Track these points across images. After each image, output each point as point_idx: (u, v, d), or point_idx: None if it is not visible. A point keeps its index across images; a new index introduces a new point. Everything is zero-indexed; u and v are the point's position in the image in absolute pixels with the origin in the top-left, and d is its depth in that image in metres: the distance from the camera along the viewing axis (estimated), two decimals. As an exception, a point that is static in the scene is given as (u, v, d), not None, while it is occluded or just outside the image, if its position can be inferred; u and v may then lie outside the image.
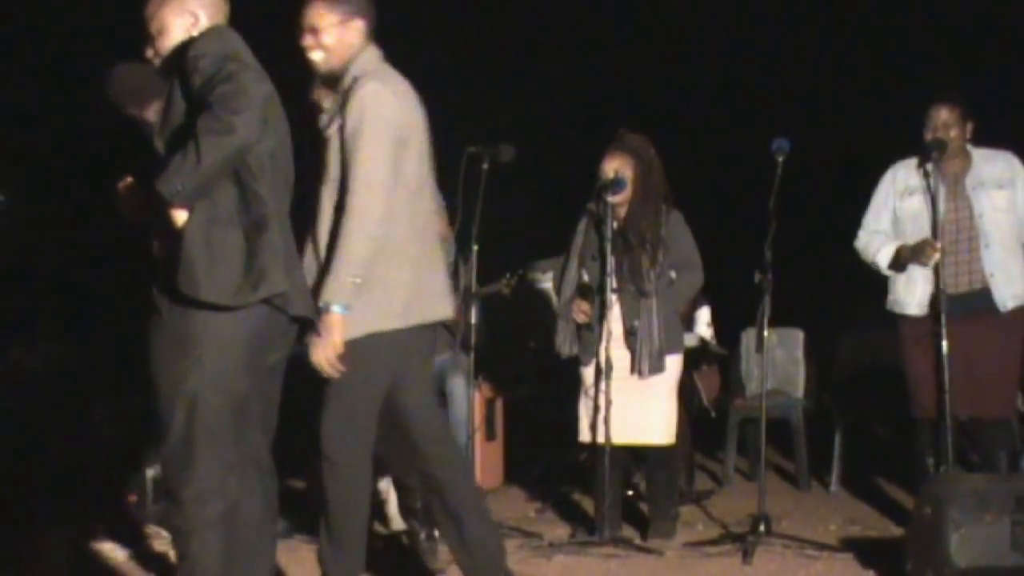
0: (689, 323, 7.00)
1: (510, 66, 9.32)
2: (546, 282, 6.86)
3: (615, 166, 5.47)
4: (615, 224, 5.42)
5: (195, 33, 3.57)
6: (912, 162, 5.58)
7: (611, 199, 5.39)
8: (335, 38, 3.88)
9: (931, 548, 4.38)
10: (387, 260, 3.80)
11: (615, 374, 5.32)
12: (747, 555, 5.07)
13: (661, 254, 5.47)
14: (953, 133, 5.45)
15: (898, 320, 5.57)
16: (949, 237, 5.43)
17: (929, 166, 5.44)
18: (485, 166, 5.37)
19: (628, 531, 5.68)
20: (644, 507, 5.96)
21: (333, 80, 3.93)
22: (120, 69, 5.44)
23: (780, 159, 5.35)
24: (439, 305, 3.98)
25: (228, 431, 3.43)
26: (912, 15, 9.18)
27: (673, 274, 5.66)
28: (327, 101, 4.01)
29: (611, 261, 5.36)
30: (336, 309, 3.74)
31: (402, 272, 3.84)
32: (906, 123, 5.76)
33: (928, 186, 5.48)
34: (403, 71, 4.22)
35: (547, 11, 9.67)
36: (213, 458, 3.40)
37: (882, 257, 5.57)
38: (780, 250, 5.37)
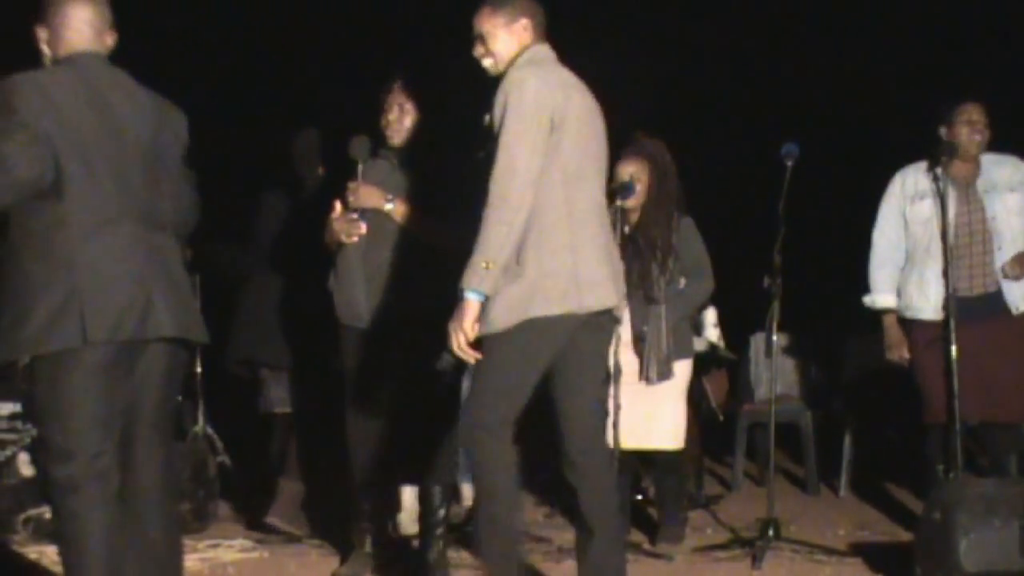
0: (697, 327, 7.00)
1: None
2: None
3: (630, 170, 5.46)
4: (626, 228, 5.42)
5: None
6: (921, 165, 5.54)
7: (622, 203, 5.38)
8: (502, 41, 3.90)
9: (940, 553, 4.37)
10: (539, 247, 3.75)
11: (624, 379, 5.31)
12: (756, 560, 5.07)
13: (671, 261, 5.46)
14: (982, 136, 5.44)
15: (911, 325, 5.55)
16: (962, 240, 5.42)
17: (938, 169, 5.42)
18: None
19: (637, 536, 5.69)
20: (653, 512, 5.96)
21: None
22: (304, 132, 5.84)
23: (789, 164, 5.35)
24: (599, 294, 3.85)
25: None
26: (923, 18, 9.17)
27: (683, 281, 5.67)
28: None
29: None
30: (468, 295, 3.70)
31: (556, 259, 3.77)
32: (915, 127, 5.74)
33: (938, 189, 5.46)
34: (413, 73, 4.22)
35: (555, 12, 9.68)
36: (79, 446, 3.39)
37: (879, 298, 5.62)
38: (789, 255, 5.37)
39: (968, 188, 5.46)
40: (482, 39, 3.92)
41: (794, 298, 5.58)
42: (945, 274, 5.28)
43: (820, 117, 9.07)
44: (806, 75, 9.53)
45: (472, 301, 3.71)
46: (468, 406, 3.89)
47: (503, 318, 3.74)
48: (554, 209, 3.77)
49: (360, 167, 4.81)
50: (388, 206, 4.75)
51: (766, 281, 5.41)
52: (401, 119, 4.85)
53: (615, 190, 5.41)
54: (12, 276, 3.40)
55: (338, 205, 4.82)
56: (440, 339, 4.75)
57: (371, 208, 4.76)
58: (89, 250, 3.39)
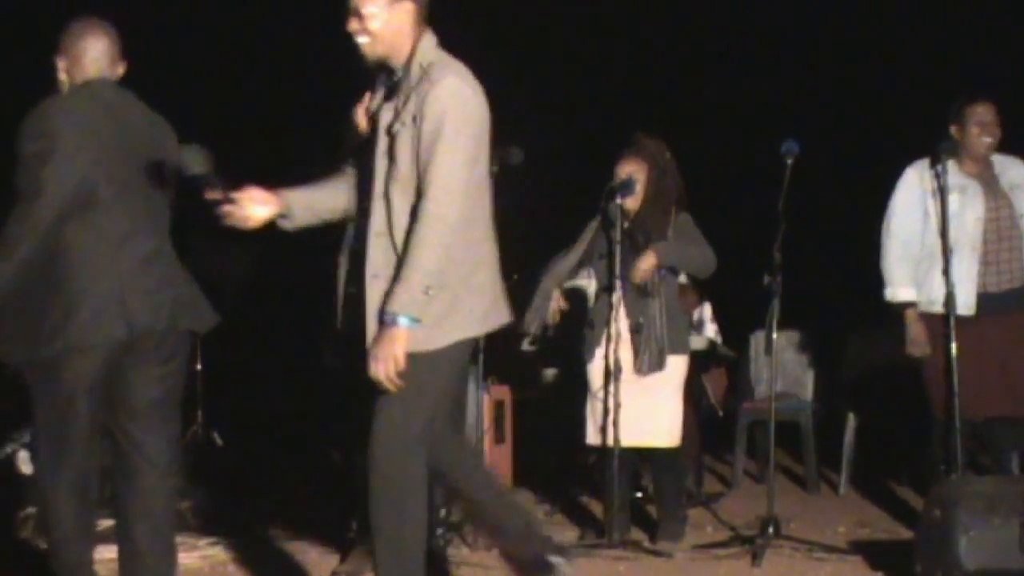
0: (697, 325, 7.00)
1: (522, 67, 9.35)
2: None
3: (628, 170, 5.50)
4: (625, 224, 5.43)
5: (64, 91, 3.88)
6: (929, 160, 5.49)
7: (622, 201, 5.40)
8: (382, 22, 3.64)
9: (940, 550, 4.37)
10: (471, 263, 3.64)
11: (621, 374, 5.33)
12: (756, 557, 5.07)
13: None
14: (993, 138, 5.43)
15: (931, 320, 5.44)
16: (989, 236, 5.42)
17: (939, 167, 5.41)
18: (495, 168, 5.37)
19: (637, 533, 5.69)
20: (653, 510, 5.95)
21: (379, 67, 3.74)
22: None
23: (789, 161, 5.35)
24: (505, 311, 3.82)
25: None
26: (922, 17, 9.17)
27: (683, 278, 5.72)
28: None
29: (618, 262, 5.37)
30: (403, 321, 3.50)
31: (483, 275, 3.69)
32: (916, 124, 5.73)
33: (939, 185, 5.45)
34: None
35: (558, 12, 9.69)
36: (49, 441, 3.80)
37: (901, 291, 5.50)
38: (789, 252, 5.37)
39: (994, 185, 5.45)
40: (359, 16, 3.65)
41: (794, 296, 5.58)
42: (945, 271, 5.28)
43: (820, 114, 9.08)
44: (806, 72, 9.54)
45: (405, 328, 3.50)
46: (389, 425, 3.61)
47: (433, 338, 3.58)
48: (479, 224, 3.70)
49: None
50: None
51: (766, 279, 5.41)
52: None
53: (613, 188, 5.43)
54: (53, 280, 3.71)
55: None
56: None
57: None
58: (125, 254, 3.75)
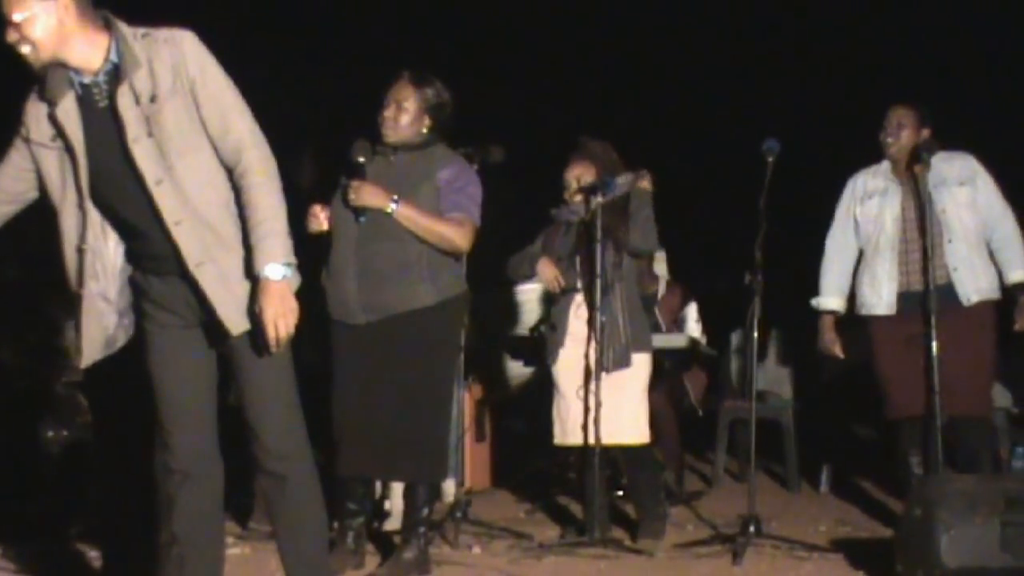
0: (680, 323, 7.00)
1: (502, 66, 9.35)
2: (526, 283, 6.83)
3: (577, 173, 5.50)
4: (575, 221, 5.45)
5: None
6: (873, 168, 5.64)
7: (603, 199, 5.37)
8: (42, 28, 3.30)
9: (921, 549, 4.38)
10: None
11: (583, 375, 5.33)
12: (737, 556, 5.07)
13: (624, 255, 5.47)
14: (904, 134, 5.51)
15: (866, 322, 5.59)
16: (910, 235, 5.47)
17: (904, 169, 5.50)
18: (475, 167, 5.36)
19: (619, 532, 5.68)
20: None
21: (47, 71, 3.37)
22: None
23: (770, 160, 5.36)
24: None
25: None
26: (902, 17, 9.20)
27: (662, 271, 5.72)
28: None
29: (599, 261, 5.35)
30: (288, 272, 3.34)
31: None
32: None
33: (882, 187, 5.55)
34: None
35: (544, 8, 9.69)
36: None
37: (823, 300, 5.69)
38: (770, 251, 5.37)
39: (915, 186, 5.49)
40: (15, 25, 3.31)
41: (775, 294, 5.59)
42: (924, 270, 5.33)
43: (801, 112, 9.10)
44: (787, 70, 9.56)
45: (292, 278, 3.38)
46: (285, 426, 3.54)
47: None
48: None
49: (365, 168, 4.80)
50: (392, 207, 4.70)
51: (747, 277, 5.42)
52: (397, 116, 4.83)
53: (597, 186, 5.40)
54: None
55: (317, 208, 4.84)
56: (432, 336, 4.76)
57: (373, 208, 4.75)
58: None
